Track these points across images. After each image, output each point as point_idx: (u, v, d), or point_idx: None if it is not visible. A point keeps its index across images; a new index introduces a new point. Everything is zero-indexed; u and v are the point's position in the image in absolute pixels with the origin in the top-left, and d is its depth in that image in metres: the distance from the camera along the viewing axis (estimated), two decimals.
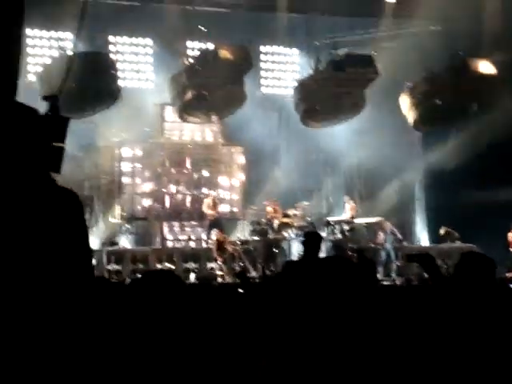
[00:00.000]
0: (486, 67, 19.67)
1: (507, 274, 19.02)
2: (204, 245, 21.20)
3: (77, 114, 20.06)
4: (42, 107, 13.47)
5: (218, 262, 19.10)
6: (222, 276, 18.70)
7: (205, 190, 23.42)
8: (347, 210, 22.39)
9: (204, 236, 21.85)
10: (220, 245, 19.36)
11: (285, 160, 24.31)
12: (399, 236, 20.95)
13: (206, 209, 21.38)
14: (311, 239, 8.94)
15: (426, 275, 6.27)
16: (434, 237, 22.58)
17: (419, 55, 20.62)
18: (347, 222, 21.77)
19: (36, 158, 3.28)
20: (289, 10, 19.52)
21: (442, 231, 21.69)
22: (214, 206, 21.31)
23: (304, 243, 8.98)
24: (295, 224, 20.81)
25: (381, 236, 20.92)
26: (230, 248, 19.43)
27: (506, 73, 20.33)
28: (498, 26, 19.29)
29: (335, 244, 20.59)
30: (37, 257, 3.05)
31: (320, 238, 9.14)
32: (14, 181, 3.16)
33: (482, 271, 3.95)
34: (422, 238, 23.90)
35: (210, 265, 19.41)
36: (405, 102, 21.74)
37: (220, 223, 20.62)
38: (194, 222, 23.23)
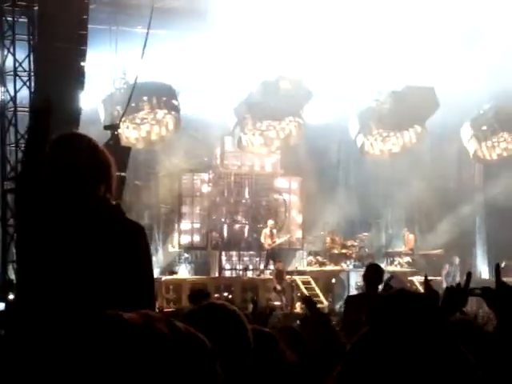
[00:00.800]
0: None
1: None
2: (262, 275, 21.22)
3: (138, 143, 20.38)
4: (104, 136, 13.71)
5: (277, 291, 19.01)
6: (280, 306, 18.61)
7: (263, 220, 23.42)
8: (406, 242, 22.21)
9: (262, 266, 21.86)
10: (279, 274, 19.34)
11: (344, 191, 24.23)
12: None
13: (264, 239, 21.37)
14: (372, 272, 8.69)
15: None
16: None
17: (482, 86, 20.42)
18: (406, 254, 21.58)
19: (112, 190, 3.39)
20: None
21: (503, 264, 21.36)
22: (272, 236, 21.28)
23: (364, 276, 8.73)
24: (354, 255, 20.70)
25: (446, 269, 20.63)
26: (287, 278, 19.39)
27: None
28: None
29: (394, 276, 20.35)
30: (105, 283, 3.12)
31: (381, 271, 8.88)
32: (90, 210, 3.25)
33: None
34: (483, 271, 23.52)
35: (268, 295, 19.37)
36: (466, 134, 21.53)
37: (278, 253, 20.58)
38: (251, 252, 23.24)
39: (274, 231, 21.62)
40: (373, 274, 8.60)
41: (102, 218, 3.29)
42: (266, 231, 21.46)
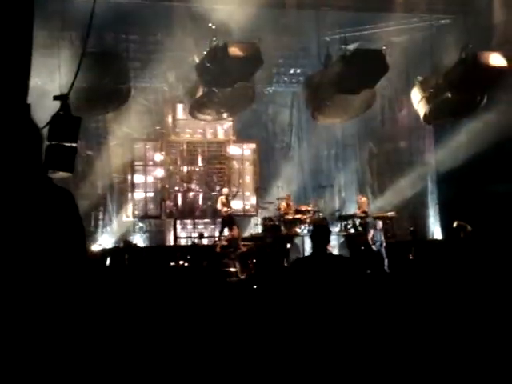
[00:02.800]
0: (496, 59, 19.60)
1: None
2: (217, 242, 21.30)
3: (88, 113, 20.18)
4: (54, 107, 13.56)
5: (232, 257, 19.11)
6: (235, 273, 18.73)
7: (217, 188, 23.51)
8: (359, 205, 22.40)
9: (217, 233, 21.93)
10: (233, 241, 19.40)
11: (297, 156, 24.36)
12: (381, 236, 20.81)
13: (219, 206, 21.42)
14: (318, 232, 8.83)
15: None
16: (447, 230, 22.53)
17: (429, 49, 20.57)
18: (360, 217, 21.78)
19: (34, 158, 3.34)
20: (298, 6, 19.49)
21: (454, 224, 21.62)
22: (227, 202, 21.32)
23: (311, 237, 8.87)
24: (308, 220, 20.83)
25: (371, 233, 20.86)
26: (242, 244, 19.47)
27: None
28: (508, 18, 19.24)
29: (348, 239, 20.61)
30: (31, 253, 3.10)
31: (328, 231, 9.03)
32: (10, 179, 3.21)
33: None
34: (435, 232, 23.86)
35: (224, 261, 19.45)
36: (415, 96, 21.70)
37: (233, 220, 20.63)
38: (206, 220, 23.30)
39: (230, 198, 21.68)
40: (319, 234, 8.74)
41: (29, 189, 3.27)
42: (222, 198, 21.48)
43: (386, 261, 19.96)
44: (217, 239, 20.99)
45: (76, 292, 3.08)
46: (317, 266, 3.15)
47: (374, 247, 20.29)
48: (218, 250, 19.49)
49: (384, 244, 20.38)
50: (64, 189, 3.41)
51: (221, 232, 20.78)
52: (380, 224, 20.81)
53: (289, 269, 9.72)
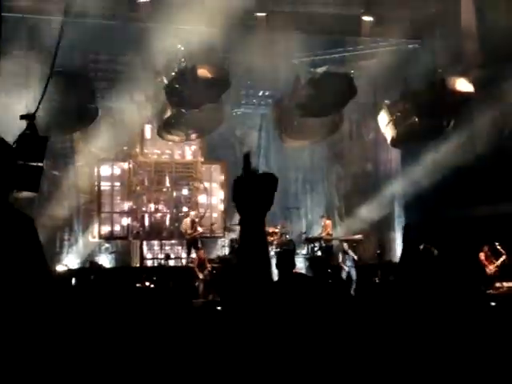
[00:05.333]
0: (463, 85, 19.82)
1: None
2: (184, 263, 21.25)
3: (55, 133, 20.05)
4: (21, 126, 13.42)
5: (199, 279, 18.99)
6: (201, 294, 18.61)
7: (185, 209, 23.44)
8: (324, 228, 22.45)
9: (184, 254, 21.86)
10: (200, 262, 19.32)
11: None
12: (354, 256, 20.84)
13: (184, 228, 21.36)
14: (283, 258, 8.82)
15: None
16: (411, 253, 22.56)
17: (397, 73, 20.73)
18: (326, 240, 21.82)
19: (2, 178, 3.28)
20: (267, 29, 19.58)
21: (420, 248, 21.69)
22: (193, 224, 21.25)
23: (277, 265, 8.82)
24: (275, 242, 20.82)
25: (340, 256, 20.90)
26: (209, 266, 19.39)
27: (483, 90, 20.49)
28: (475, 43, 19.45)
29: (312, 261, 20.56)
30: None
31: (292, 256, 9.05)
32: None
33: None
34: None
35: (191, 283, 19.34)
36: (383, 120, 21.85)
37: (197, 242, 20.51)
38: (173, 241, 23.20)
39: (197, 220, 21.62)
40: (284, 260, 8.74)
41: None
42: (187, 221, 21.43)
43: (354, 284, 19.94)
44: (188, 261, 20.86)
45: (37, 313, 3.03)
46: (283, 291, 3.12)
47: (344, 270, 20.29)
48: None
49: (354, 267, 20.42)
50: (24, 214, 3.36)
51: (188, 254, 20.72)
52: (346, 246, 20.84)
53: (257, 294, 9.55)
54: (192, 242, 20.68)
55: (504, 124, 22.80)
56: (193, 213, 21.90)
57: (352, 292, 19.62)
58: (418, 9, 19.21)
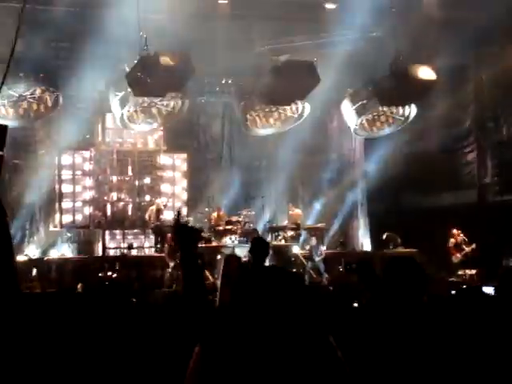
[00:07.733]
0: (426, 73, 19.88)
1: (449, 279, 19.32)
2: (147, 252, 21.18)
3: (16, 121, 19.82)
4: None
5: (169, 269, 18.80)
6: (172, 282, 18.38)
7: (147, 198, 23.32)
8: (290, 217, 22.46)
9: (147, 244, 21.77)
10: (171, 250, 19.12)
11: (228, 167, 24.29)
12: (322, 249, 20.87)
13: (149, 217, 21.26)
14: (258, 245, 8.80)
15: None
16: (377, 242, 22.70)
17: (361, 61, 20.73)
18: (290, 229, 21.82)
19: None
20: (230, 16, 19.48)
21: (384, 236, 21.81)
22: (157, 213, 21.16)
23: (251, 250, 8.79)
24: (239, 231, 20.79)
25: (308, 245, 20.94)
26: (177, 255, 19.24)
27: (446, 78, 20.60)
28: (437, 32, 19.52)
29: (277, 251, 20.49)
30: None
31: (267, 244, 9.06)
32: None
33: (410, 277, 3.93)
34: (365, 243, 24.04)
35: (158, 272, 19.20)
36: (346, 109, 21.89)
37: (163, 230, 20.41)
38: (136, 230, 23.05)
39: (162, 209, 21.53)
40: (259, 247, 8.72)
41: None
42: (153, 208, 21.35)
43: (324, 274, 19.93)
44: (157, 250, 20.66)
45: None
46: (258, 279, 3.07)
47: (315, 259, 20.30)
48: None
49: (323, 256, 20.44)
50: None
51: (156, 243, 20.67)
52: (314, 241, 20.85)
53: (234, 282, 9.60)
54: (156, 232, 20.60)
55: (464, 113, 23.01)
56: (159, 201, 21.82)
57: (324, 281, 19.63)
58: None
